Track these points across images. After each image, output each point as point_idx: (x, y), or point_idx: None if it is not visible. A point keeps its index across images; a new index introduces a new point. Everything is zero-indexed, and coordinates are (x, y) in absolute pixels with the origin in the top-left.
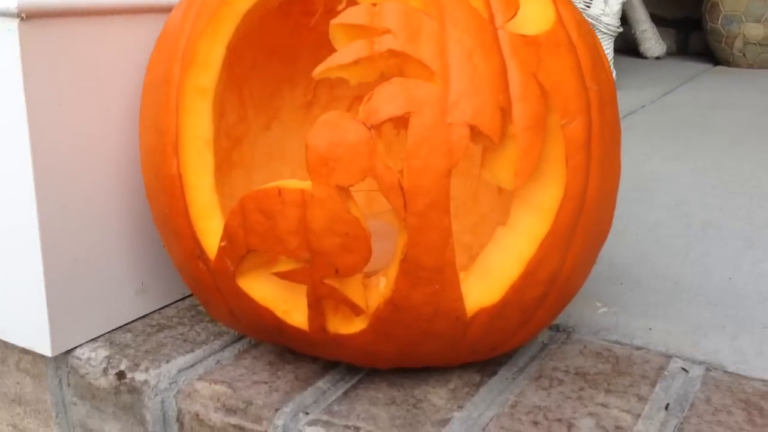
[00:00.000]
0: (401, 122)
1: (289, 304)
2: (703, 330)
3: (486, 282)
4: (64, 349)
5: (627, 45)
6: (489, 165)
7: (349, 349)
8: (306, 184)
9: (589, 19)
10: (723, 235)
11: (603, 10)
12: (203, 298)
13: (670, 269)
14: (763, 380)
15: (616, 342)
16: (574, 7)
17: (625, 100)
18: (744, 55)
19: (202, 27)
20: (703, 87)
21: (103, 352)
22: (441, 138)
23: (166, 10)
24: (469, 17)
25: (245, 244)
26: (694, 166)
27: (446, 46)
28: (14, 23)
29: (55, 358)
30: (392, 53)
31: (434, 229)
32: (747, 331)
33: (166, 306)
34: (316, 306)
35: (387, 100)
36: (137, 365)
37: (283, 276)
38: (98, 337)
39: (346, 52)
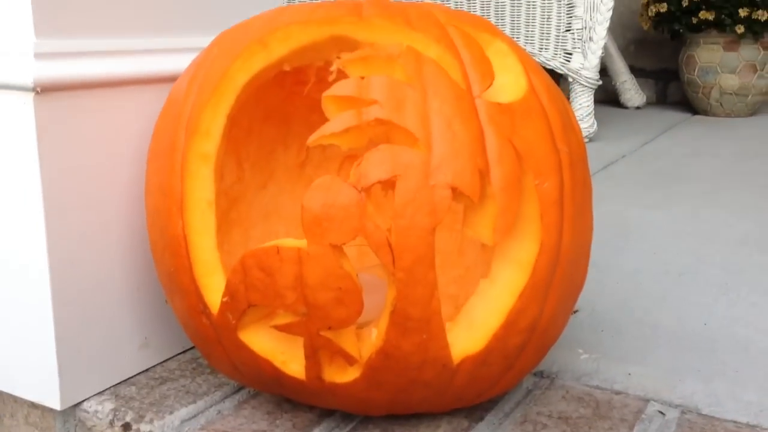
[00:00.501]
0: (389, 184)
1: (287, 356)
2: (679, 374)
3: (470, 331)
4: (73, 403)
5: (608, 96)
6: (470, 223)
7: (343, 397)
8: (302, 243)
9: (569, 73)
10: (698, 281)
11: (582, 64)
12: (206, 351)
13: (648, 315)
14: (735, 422)
15: (597, 387)
16: (545, 74)
17: (606, 150)
18: (721, 104)
19: (206, 99)
20: (682, 136)
21: (109, 405)
22: (425, 199)
23: (171, 79)
24: (449, 88)
25: (246, 299)
26: (672, 214)
27: (428, 114)
28: (30, 97)
29: (63, 412)
30: (379, 122)
31: (421, 283)
32: (720, 374)
33: (168, 359)
34: (312, 357)
35: (375, 165)
36: (142, 417)
37: (281, 329)
38: (104, 390)
39: (336, 122)
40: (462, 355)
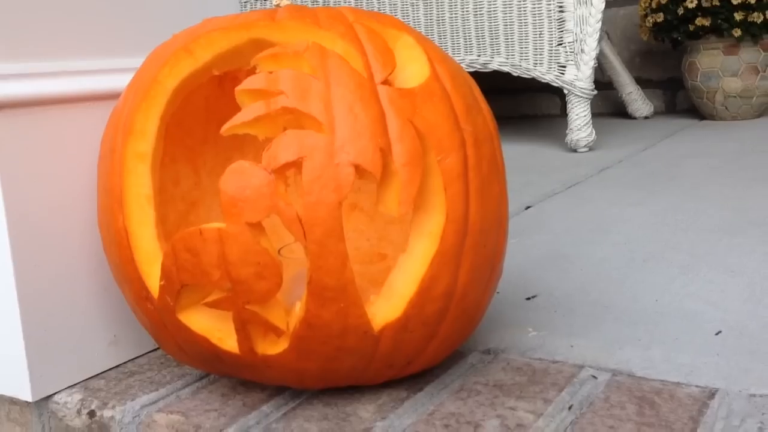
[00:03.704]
0: (298, 166)
1: (223, 332)
2: (619, 344)
3: (390, 301)
4: (44, 395)
5: (616, 108)
6: (381, 199)
7: (278, 369)
8: (222, 224)
9: (564, 85)
10: (661, 265)
11: (576, 75)
12: (155, 335)
13: (603, 296)
14: (663, 381)
15: (539, 359)
16: (451, 63)
17: (604, 157)
18: (726, 108)
19: (138, 102)
20: (683, 140)
21: (77, 396)
22: (330, 176)
23: (118, 96)
24: (351, 77)
25: (179, 280)
26: (653, 210)
27: (331, 101)
28: None
29: (38, 405)
30: (286, 110)
31: (332, 254)
32: (660, 342)
33: (139, 356)
34: (242, 330)
35: (283, 149)
36: (106, 404)
37: (211, 305)
38: (75, 384)
39: (246, 111)
40: (383, 322)
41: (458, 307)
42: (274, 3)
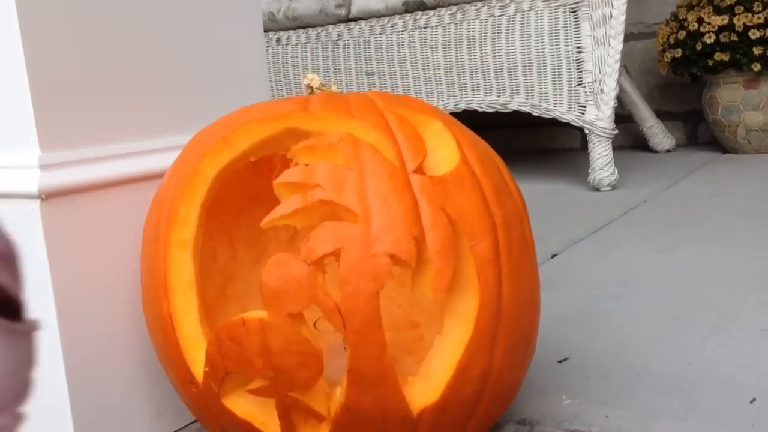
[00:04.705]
0: (336, 254)
1: (265, 416)
2: (655, 414)
3: (427, 384)
4: None
5: (638, 141)
6: (416, 284)
7: None
8: (264, 314)
9: (585, 125)
10: (692, 323)
11: (597, 115)
12: (198, 417)
13: (636, 359)
14: None
15: (575, 430)
16: (479, 144)
17: (627, 197)
18: (749, 141)
19: (181, 192)
20: (705, 177)
21: None
22: (367, 267)
23: (159, 176)
24: (384, 167)
25: (223, 368)
26: (680, 258)
27: (366, 192)
28: (36, 204)
29: None
30: (323, 202)
31: (371, 343)
32: (695, 412)
33: (180, 429)
34: (285, 416)
35: (320, 241)
36: None
37: (254, 392)
38: None
39: (285, 205)
40: (421, 405)
41: (494, 387)
42: (304, 83)
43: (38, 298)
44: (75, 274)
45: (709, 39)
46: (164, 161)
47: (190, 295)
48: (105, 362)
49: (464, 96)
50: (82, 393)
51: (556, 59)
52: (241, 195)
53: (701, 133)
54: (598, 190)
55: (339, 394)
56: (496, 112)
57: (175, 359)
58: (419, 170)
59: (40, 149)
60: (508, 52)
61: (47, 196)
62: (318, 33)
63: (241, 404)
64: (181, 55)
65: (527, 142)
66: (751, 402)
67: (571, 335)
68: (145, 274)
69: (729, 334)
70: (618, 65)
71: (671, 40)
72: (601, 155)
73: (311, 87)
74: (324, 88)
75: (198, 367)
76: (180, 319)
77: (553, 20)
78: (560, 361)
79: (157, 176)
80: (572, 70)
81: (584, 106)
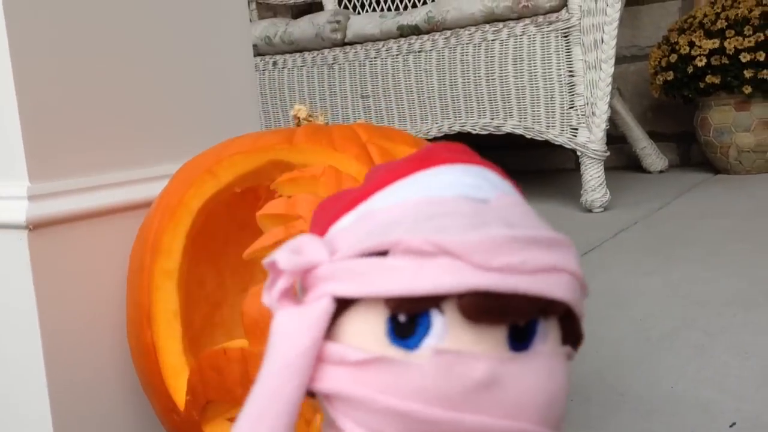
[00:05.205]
0: None
1: None
2: None
3: None
4: None
5: (631, 162)
6: None
7: None
8: (245, 343)
9: (578, 147)
10: (676, 345)
11: (588, 137)
12: None
13: (619, 381)
14: None
15: None
16: None
17: (619, 218)
18: (740, 162)
19: (166, 223)
20: (697, 198)
21: None
22: None
23: (146, 205)
24: None
25: (204, 396)
26: (669, 280)
27: None
28: (24, 234)
29: None
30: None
31: None
32: None
33: None
34: None
35: None
36: None
37: (234, 421)
38: None
39: (267, 236)
40: None
41: None
42: (291, 114)
43: (24, 327)
44: (61, 304)
45: (701, 62)
46: (152, 191)
47: (173, 324)
48: (90, 391)
49: (458, 119)
50: (67, 422)
51: (548, 83)
52: (229, 223)
53: (694, 154)
54: (590, 211)
55: (319, 421)
56: (492, 134)
57: (157, 387)
58: None
59: (29, 180)
60: (501, 76)
61: (35, 227)
62: (314, 57)
63: (222, 431)
64: (170, 86)
65: (522, 162)
66: (731, 426)
67: None
68: (130, 304)
69: (712, 356)
70: (609, 89)
71: (663, 63)
72: (593, 177)
73: (298, 117)
74: (311, 118)
75: (180, 395)
76: (163, 348)
77: (546, 45)
78: None
79: (144, 206)
80: (564, 93)
81: (576, 129)
